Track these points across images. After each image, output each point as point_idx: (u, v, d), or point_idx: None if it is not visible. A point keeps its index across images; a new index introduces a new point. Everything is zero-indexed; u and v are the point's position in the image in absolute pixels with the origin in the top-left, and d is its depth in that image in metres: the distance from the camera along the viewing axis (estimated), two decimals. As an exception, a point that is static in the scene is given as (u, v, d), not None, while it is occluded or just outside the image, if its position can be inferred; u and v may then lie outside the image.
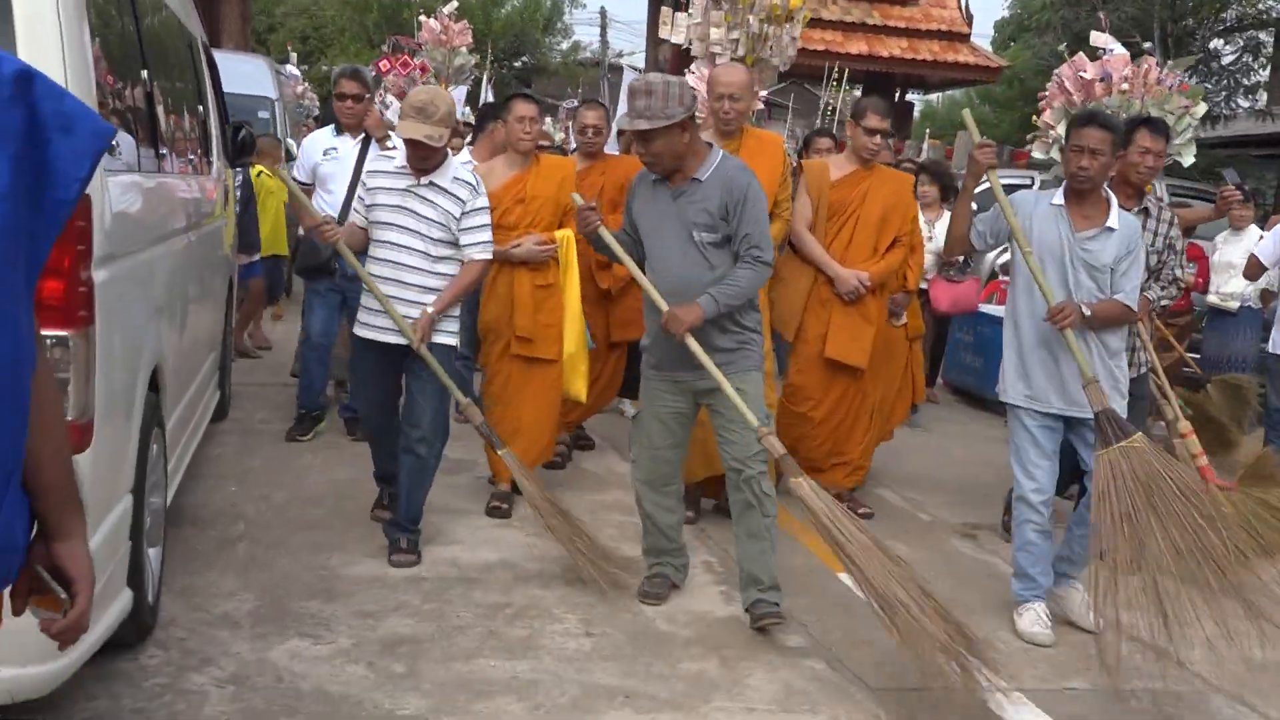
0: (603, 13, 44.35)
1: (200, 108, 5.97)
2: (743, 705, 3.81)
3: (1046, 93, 7.40)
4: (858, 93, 19.59)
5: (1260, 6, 25.01)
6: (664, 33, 10.63)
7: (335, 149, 6.55)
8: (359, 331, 5.00)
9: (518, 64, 40.95)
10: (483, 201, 4.94)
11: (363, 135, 6.57)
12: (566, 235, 5.80)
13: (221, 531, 5.09)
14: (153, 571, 3.97)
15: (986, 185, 4.84)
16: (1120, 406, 4.56)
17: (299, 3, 40.77)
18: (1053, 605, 4.73)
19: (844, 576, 4.68)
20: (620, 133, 8.24)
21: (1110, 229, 4.56)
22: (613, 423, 7.61)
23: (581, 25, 70.86)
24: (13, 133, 1.37)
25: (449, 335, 4.95)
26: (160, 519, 4.16)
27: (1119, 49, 7.17)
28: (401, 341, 4.81)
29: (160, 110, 4.48)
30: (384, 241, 4.87)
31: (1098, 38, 7.51)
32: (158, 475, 4.07)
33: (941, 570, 5.26)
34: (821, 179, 5.96)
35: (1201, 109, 7.19)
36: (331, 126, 6.73)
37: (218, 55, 7.75)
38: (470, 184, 4.92)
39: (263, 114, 12.62)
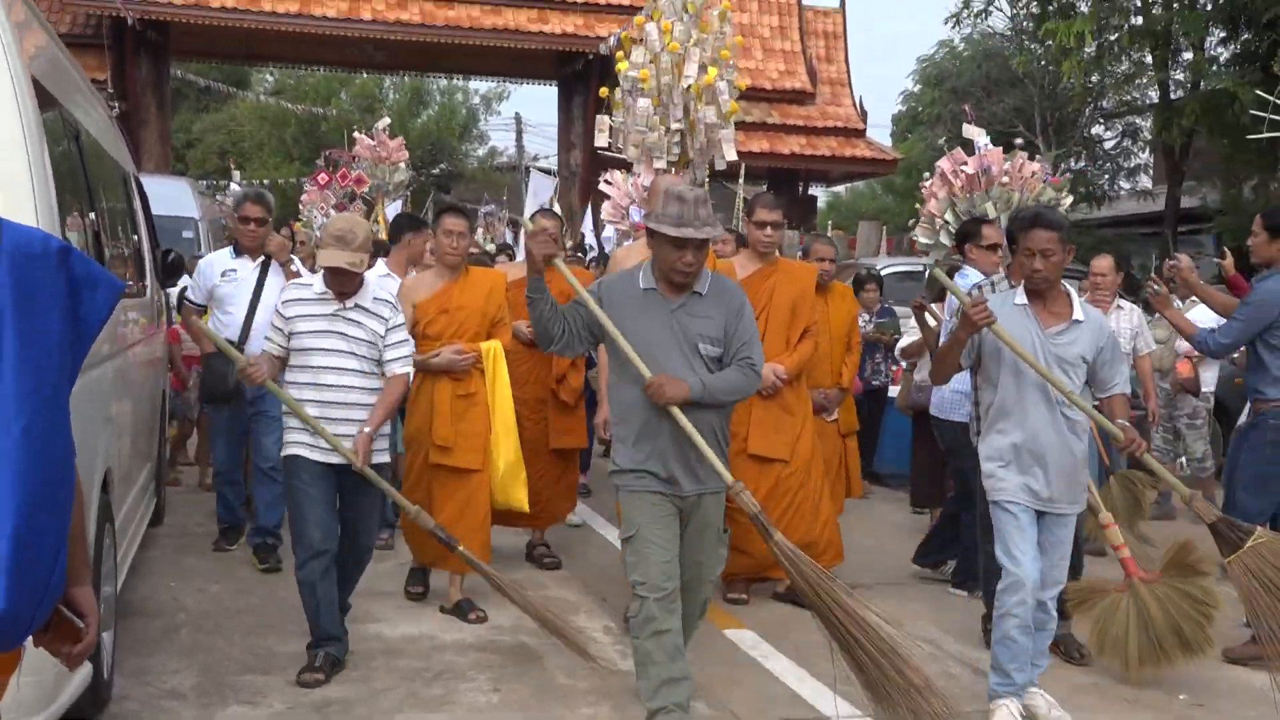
0: (518, 118, 45.35)
1: (135, 236, 6.57)
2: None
3: (928, 184, 8.03)
4: (764, 187, 20.54)
5: (1134, 95, 26.47)
6: (600, 141, 10.92)
7: (234, 270, 6.64)
8: (295, 451, 4.96)
9: (435, 171, 41.81)
10: (401, 319, 5.11)
11: (262, 258, 6.70)
12: (494, 346, 5.92)
13: (166, 621, 5.60)
14: (107, 650, 4.49)
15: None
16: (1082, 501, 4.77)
17: (215, 119, 41.41)
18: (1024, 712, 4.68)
19: (728, 632, 5.28)
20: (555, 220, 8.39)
21: (1078, 321, 4.61)
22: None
23: (496, 130, 72.15)
24: (59, 292, 1.94)
25: (381, 453, 5.07)
26: (112, 606, 4.69)
27: (987, 141, 7.90)
28: (339, 461, 4.87)
29: (104, 241, 5.09)
30: (312, 366, 4.92)
31: (968, 130, 8.27)
32: (109, 565, 4.60)
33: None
34: (728, 277, 6.00)
35: (1068, 200, 7.96)
36: (230, 248, 6.85)
37: (143, 178, 8.34)
38: (389, 302, 5.10)
39: (187, 234, 13.19)
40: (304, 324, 4.94)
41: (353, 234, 4.89)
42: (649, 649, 4.31)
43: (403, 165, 16.67)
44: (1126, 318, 7.79)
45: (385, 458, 5.12)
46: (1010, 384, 4.64)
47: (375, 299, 5.05)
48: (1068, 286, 4.75)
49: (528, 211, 15.14)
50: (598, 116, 10.96)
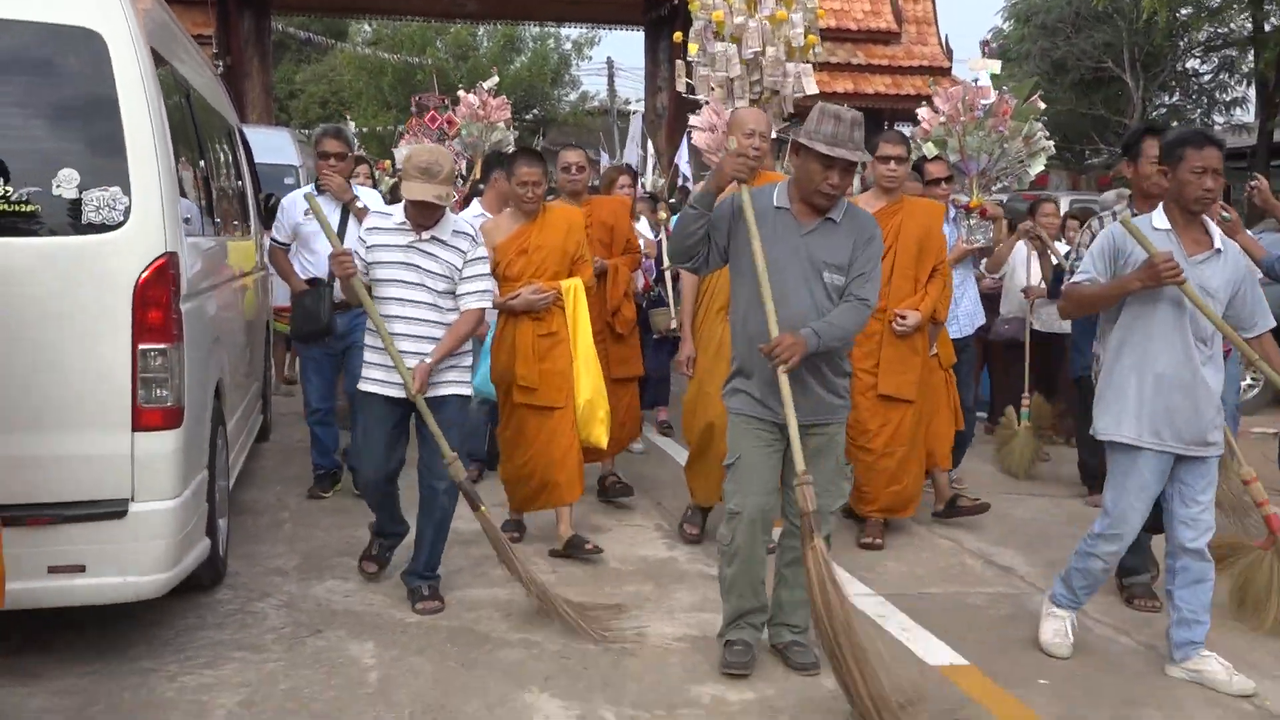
0: (609, 63, 45.70)
1: (240, 183, 7.35)
2: (666, 610, 5.08)
3: (929, 111, 8.43)
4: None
5: (1231, 26, 26.03)
6: (681, 85, 11.34)
7: None
8: (363, 386, 5.08)
9: (529, 116, 42.47)
10: (482, 252, 5.06)
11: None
12: (574, 284, 5.91)
13: (271, 517, 6.40)
14: (222, 533, 5.29)
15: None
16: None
17: (317, 70, 42.56)
18: (1194, 677, 4.47)
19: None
20: (622, 171, 8.75)
21: (1219, 251, 4.42)
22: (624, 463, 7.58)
23: (588, 75, 72.40)
24: None
25: (462, 385, 5.11)
26: (226, 496, 5.48)
27: (987, 80, 8.34)
28: (402, 395, 4.93)
29: (214, 190, 5.86)
30: (390, 298, 4.94)
31: (975, 64, 8.71)
32: (222, 462, 5.38)
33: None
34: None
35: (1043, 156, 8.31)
36: (313, 185, 6.85)
37: (248, 129, 9.11)
38: (469, 235, 5.05)
39: (288, 180, 14.03)
40: (381, 254, 4.96)
41: (438, 165, 4.84)
42: (733, 578, 4.35)
43: (501, 125, 17.05)
44: None
45: (466, 390, 5.16)
46: (1149, 314, 4.42)
47: (455, 232, 5.01)
48: (1205, 216, 4.52)
49: (627, 154, 15.52)
50: (678, 61, 11.30)
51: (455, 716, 3.99)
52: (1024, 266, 8.44)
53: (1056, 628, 4.70)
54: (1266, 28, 21.05)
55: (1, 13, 4.10)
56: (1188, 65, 31.49)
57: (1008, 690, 4.35)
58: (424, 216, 4.93)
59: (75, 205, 4.12)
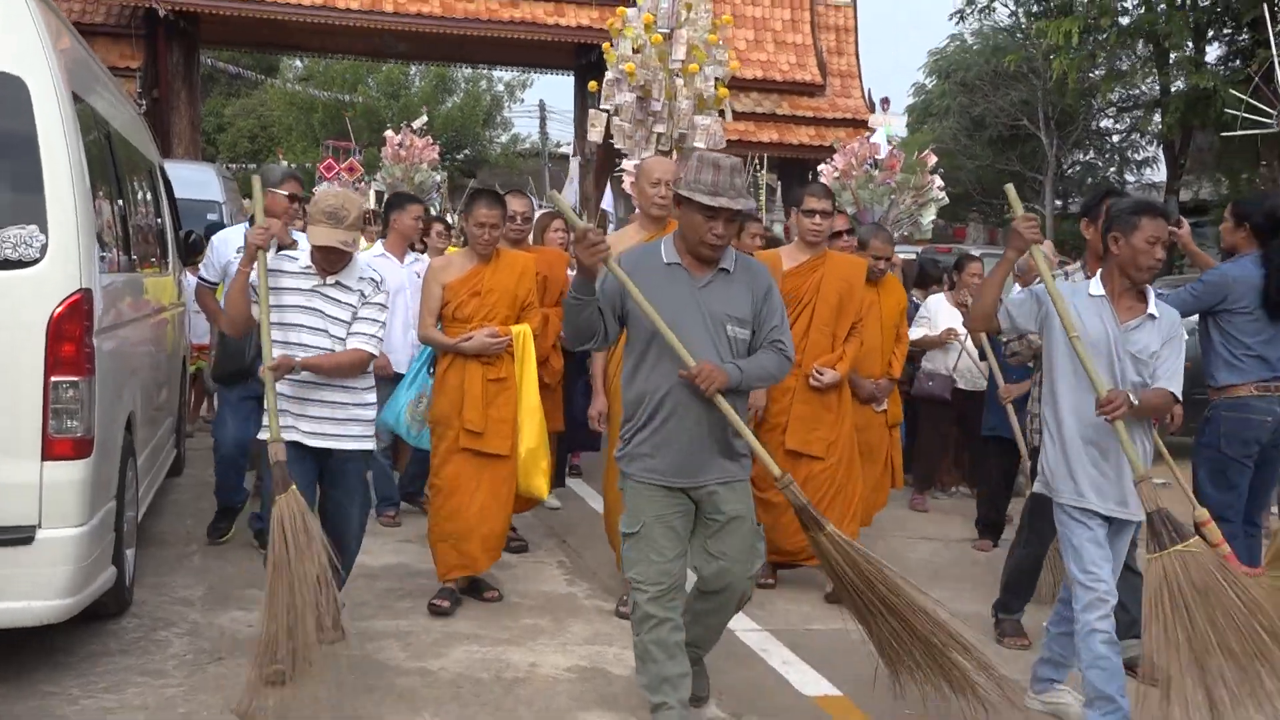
0: (541, 105, 46.06)
1: (159, 220, 7.49)
2: (560, 642, 5.28)
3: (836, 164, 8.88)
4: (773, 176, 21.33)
5: (1141, 88, 26.96)
6: (592, 135, 11.72)
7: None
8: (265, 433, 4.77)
9: (460, 157, 42.69)
10: (382, 298, 4.97)
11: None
12: (524, 330, 5.84)
13: (180, 549, 6.52)
14: (129, 562, 5.40)
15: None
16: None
17: (246, 104, 42.47)
18: (1049, 709, 4.59)
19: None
20: (554, 217, 8.19)
21: (1152, 316, 4.37)
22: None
23: (520, 117, 72.78)
24: None
25: (366, 440, 5.01)
26: (134, 527, 5.60)
27: (884, 139, 8.82)
28: (326, 445, 4.86)
29: (132, 227, 6.01)
30: (292, 343, 4.79)
31: (875, 120, 9.18)
32: (132, 494, 5.51)
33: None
34: (775, 268, 5.68)
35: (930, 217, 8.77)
36: (245, 224, 6.43)
37: (171, 165, 9.25)
38: (374, 280, 4.96)
39: (212, 215, 14.10)
40: (286, 297, 4.82)
41: (344, 210, 4.74)
42: (647, 645, 4.14)
43: (425, 166, 16.89)
44: None
45: (370, 445, 5.09)
46: (1069, 378, 4.38)
47: (360, 278, 4.93)
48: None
49: (568, 195, 15.59)
50: (591, 110, 11.56)
51: None
52: (947, 319, 8.41)
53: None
54: (1173, 90, 21.89)
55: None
56: (1101, 125, 32.62)
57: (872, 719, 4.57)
58: (330, 262, 4.83)
59: (-8, 242, 4.27)
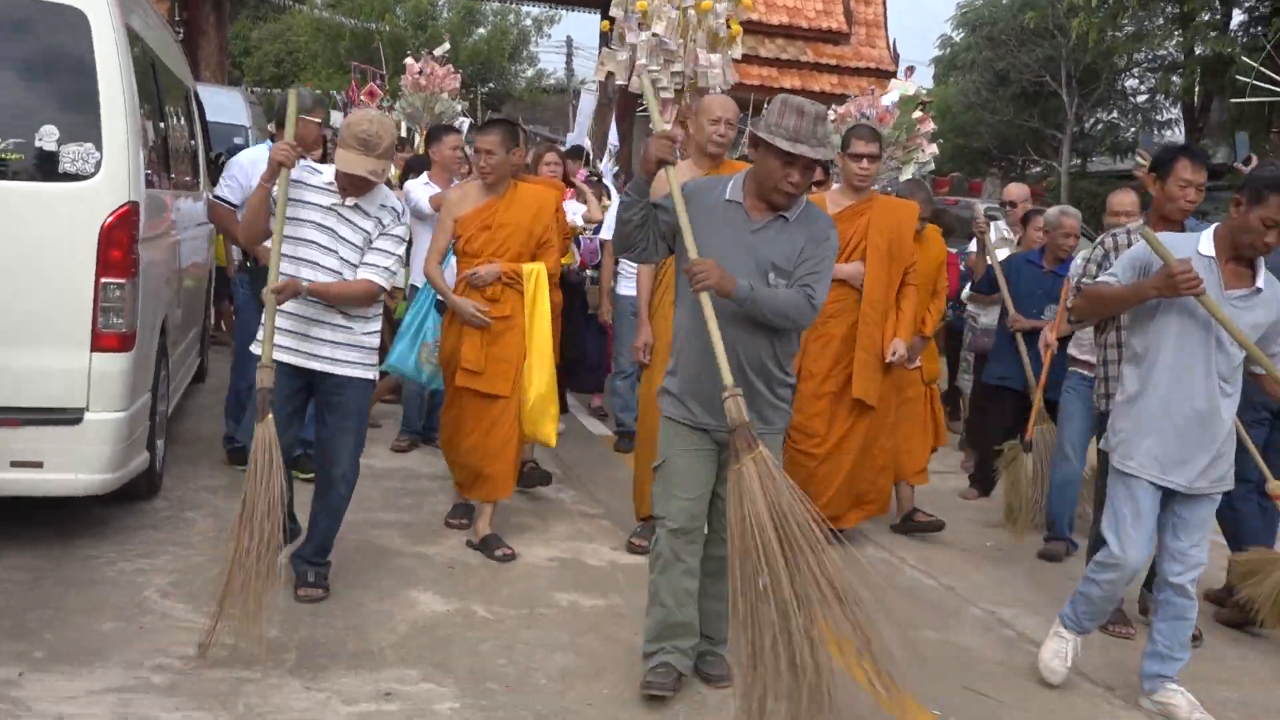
0: (568, 41, 46.23)
1: (193, 142, 8.02)
2: (544, 538, 5.87)
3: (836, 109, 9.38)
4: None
5: (1165, 49, 27.01)
6: (599, 73, 11.93)
7: None
8: (257, 348, 4.65)
9: (485, 90, 42.92)
10: (401, 230, 4.81)
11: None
12: (537, 269, 5.63)
13: (204, 446, 7.10)
14: (160, 451, 6.00)
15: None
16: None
17: (273, 28, 42.73)
18: (1159, 709, 4.43)
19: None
20: (550, 149, 8.58)
21: (1259, 290, 4.28)
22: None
23: (546, 53, 72.52)
24: None
25: (366, 368, 4.83)
26: (164, 420, 6.18)
27: (893, 99, 9.28)
28: (322, 369, 4.71)
29: (171, 149, 6.55)
30: (299, 259, 4.65)
31: (894, 83, 9.61)
32: (164, 389, 6.09)
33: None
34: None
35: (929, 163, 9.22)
36: (267, 142, 6.83)
37: (200, 89, 9.74)
38: (395, 210, 4.79)
39: (238, 139, 14.61)
40: (302, 211, 4.67)
41: (377, 138, 4.56)
42: (659, 587, 4.09)
43: (445, 95, 16.99)
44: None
45: (370, 374, 4.86)
46: (1172, 344, 4.30)
47: (382, 205, 4.76)
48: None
49: (577, 129, 15.69)
50: (601, 50, 11.64)
51: (353, 601, 4.76)
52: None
53: (1056, 648, 4.61)
54: (1197, 51, 22.09)
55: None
56: (1126, 85, 32.74)
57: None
58: (355, 187, 4.67)
59: (54, 156, 4.84)
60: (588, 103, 15.73)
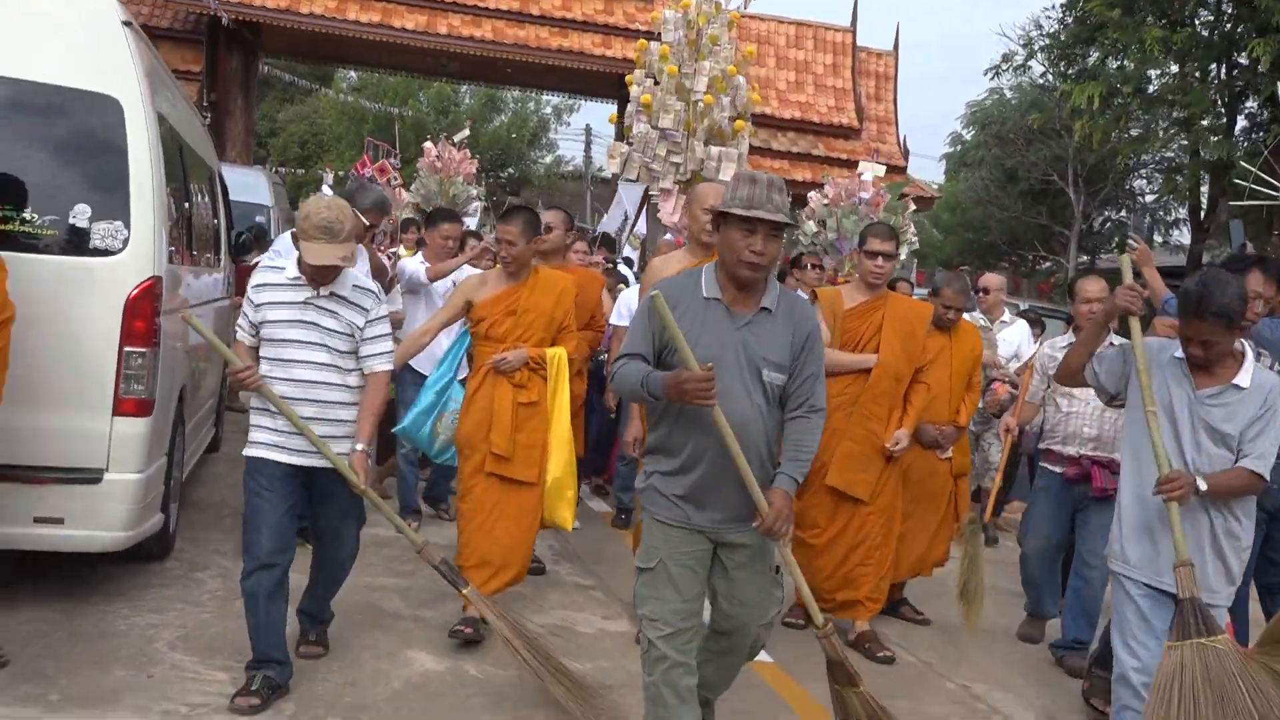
0: (587, 130, 46.96)
1: (215, 221, 8.39)
2: (537, 605, 6.10)
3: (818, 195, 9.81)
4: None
5: (1170, 151, 27.48)
6: (612, 166, 12.11)
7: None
8: (258, 452, 4.63)
9: (504, 175, 43.66)
10: (384, 310, 4.78)
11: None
12: (559, 353, 5.63)
13: (215, 513, 7.37)
14: (173, 514, 6.27)
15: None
16: (1226, 596, 4.26)
17: (299, 110, 43.64)
18: None
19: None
20: (579, 236, 8.37)
21: (1237, 387, 4.14)
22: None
23: (565, 140, 73.50)
24: None
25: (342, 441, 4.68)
26: (179, 485, 6.46)
27: (872, 176, 9.71)
28: (308, 462, 4.61)
29: (194, 227, 6.91)
30: (284, 360, 4.58)
31: (865, 165, 10.03)
32: (179, 455, 6.37)
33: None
34: (835, 306, 5.85)
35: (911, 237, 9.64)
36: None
37: (226, 168, 10.16)
38: (372, 292, 4.74)
39: (259, 219, 15.06)
40: (275, 312, 4.60)
41: (340, 223, 4.48)
42: (659, 688, 3.95)
43: (460, 180, 17.30)
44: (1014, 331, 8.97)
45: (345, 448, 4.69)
46: (1140, 439, 4.23)
47: (355, 287, 4.68)
48: (1245, 346, 4.32)
49: (610, 219, 15.51)
50: (611, 143, 11.99)
51: (352, 659, 5.01)
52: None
53: None
54: (1201, 154, 22.53)
55: (46, 79, 5.20)
56: (1134, 184, 33.29)
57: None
58: (323, 275, 4.58)
59: (85, 233, 5.19)
60: (631, 193, 15.27)
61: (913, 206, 9.68)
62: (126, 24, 5.41)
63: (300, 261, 4.60)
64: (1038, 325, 10.44)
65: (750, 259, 3.85)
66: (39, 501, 5.10)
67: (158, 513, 5.69)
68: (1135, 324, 4.23)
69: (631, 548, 5.83)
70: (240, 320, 4.75)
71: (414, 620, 5.69)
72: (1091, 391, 5.28)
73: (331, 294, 4.63)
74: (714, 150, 10.82)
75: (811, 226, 9.58)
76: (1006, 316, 9.24)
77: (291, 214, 17.47)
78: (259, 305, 4.62)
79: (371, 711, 4.53)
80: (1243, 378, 4.18)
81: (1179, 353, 4.25)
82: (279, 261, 4.81)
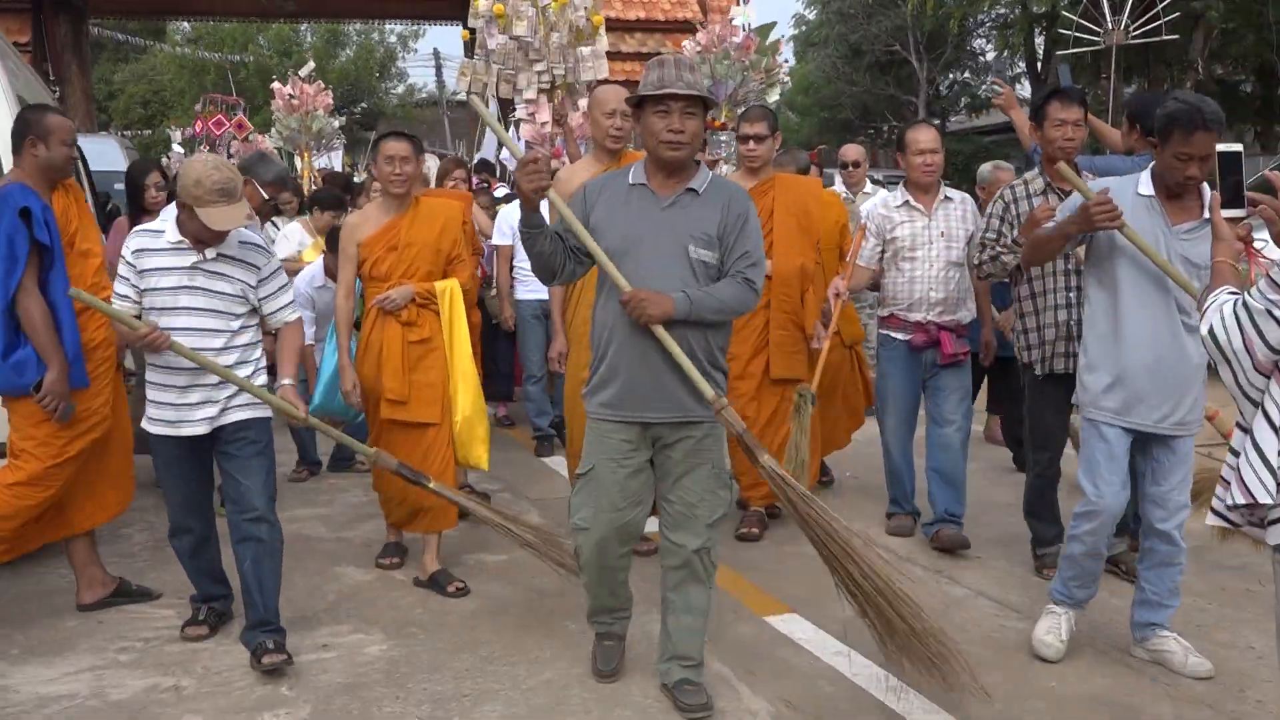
0: (436, 54, 46.46)
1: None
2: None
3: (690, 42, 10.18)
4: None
5: (1002, 7, 28.08)
6: (460, 84, 12.10)
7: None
8: (156, 429, 4.46)
9: (357, 110, 43.10)
10: (276, 262, 4.58)
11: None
12: (450, 285, 5.40)
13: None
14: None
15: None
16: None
17: (136, 69, 42.45)
18: (1153, 657, 4.40)
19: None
20: (457, 164, 8.52)
21: (1209, 221, 3.93)
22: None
23: (415, 67, 72.49)
24: None
25: (261, 407, 4.52)
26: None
27: (747, 23, 10.15)
28: (203, 431, 4.43)
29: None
30: (178, 329, 4.31)
31: (737, 10, 10.44)
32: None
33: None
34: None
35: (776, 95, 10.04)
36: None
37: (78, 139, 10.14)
38: (261, 247, 4.53)
39: (117, 185, 14.92)
40: (161, 278, 4.36)
41: (233, 183, 4.26)
42: (589, 584, 4.16)
43: (321, 112, 16.95)
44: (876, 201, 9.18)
45: (266, 412, 4.57)
46: (1127, 285, 4.24)
47: (242, 244, 4.45)
48: (1204, 185, 4.21)
49: (486, 145, 15.78)
50: (461, 61, 11.90)
51: (285, 580, 4.82)
52: None
53: (1050, 624, 4.51)
54: (1034, 9, 23.27)
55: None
56: (975, 45, 34.16)
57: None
58: (211, 237, 4.35)
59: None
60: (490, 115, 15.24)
61: (784, 48, 10.10)
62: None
63: (181, 224, 4.35)
64: None
65: (668, 138, 3.85)
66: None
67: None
68: (1130, 229, 4.15)
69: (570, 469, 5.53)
70: (118, 286, 4.43)
71: (337, 541, 6.11)
72: (936, 253, 5.73)
73: (219, 255, 4.40)
74: (583, 50, 10.84)
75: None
76: (868, 188, 9.37)
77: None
78: (142, 272, 4.35)
79: (311, 621, 4.94)
80: (1208, 212, 4.10)
81: (1143, 189, 4.23)
82: (155, 225, 4.45)
